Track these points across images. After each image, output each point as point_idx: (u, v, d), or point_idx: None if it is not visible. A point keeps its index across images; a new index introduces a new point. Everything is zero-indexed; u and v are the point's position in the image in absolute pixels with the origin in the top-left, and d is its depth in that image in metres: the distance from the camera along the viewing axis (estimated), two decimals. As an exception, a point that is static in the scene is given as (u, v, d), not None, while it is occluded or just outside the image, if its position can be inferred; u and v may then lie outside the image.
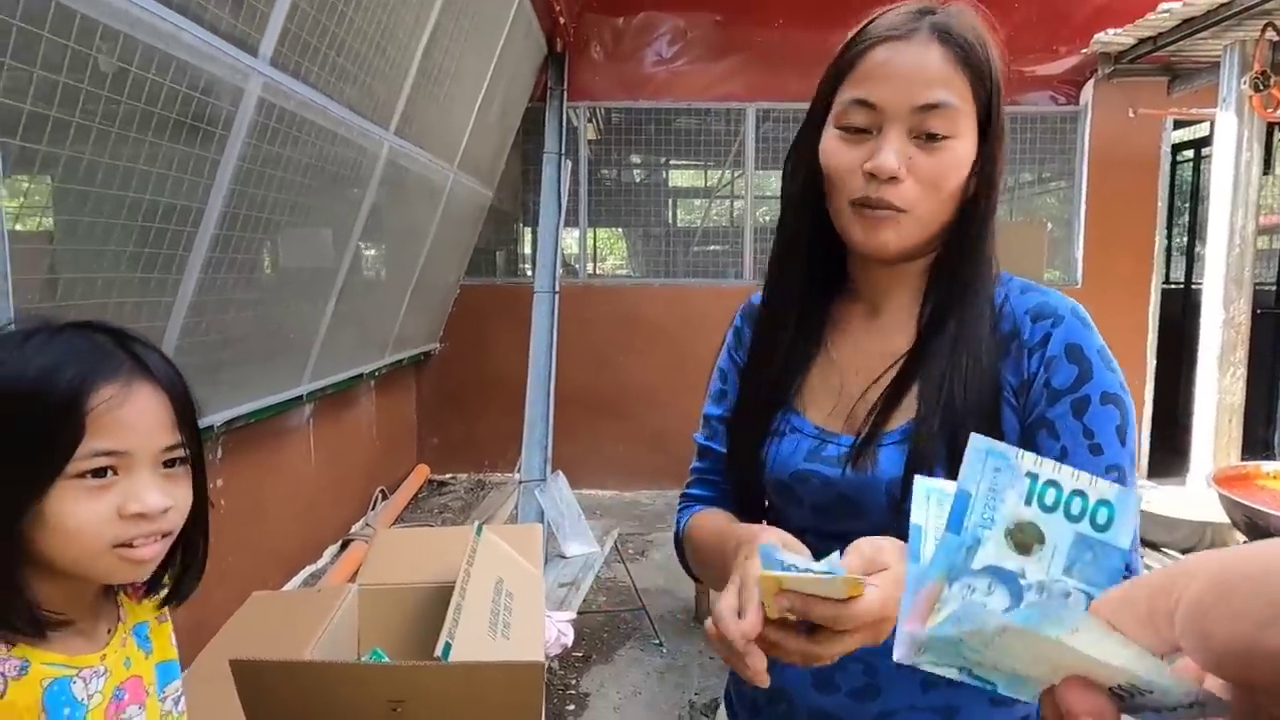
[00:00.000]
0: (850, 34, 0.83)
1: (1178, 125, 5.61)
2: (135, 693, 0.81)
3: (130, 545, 0.72)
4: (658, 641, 3.26)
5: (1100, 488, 0.41)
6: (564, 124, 4.67)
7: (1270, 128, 3.98)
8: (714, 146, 5.51)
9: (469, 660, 1.27)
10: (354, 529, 4.07)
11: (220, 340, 2.33)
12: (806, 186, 0.85)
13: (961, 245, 0.83)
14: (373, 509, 4.35)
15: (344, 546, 3.82)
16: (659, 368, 5.33)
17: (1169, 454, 5.25)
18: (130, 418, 0.72)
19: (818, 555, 0.64)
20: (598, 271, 7.46)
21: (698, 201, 6.41)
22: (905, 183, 0.77)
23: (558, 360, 5.10)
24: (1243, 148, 3.82)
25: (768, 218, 6.31)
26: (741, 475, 0.90)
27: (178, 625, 0.92)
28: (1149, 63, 4.74)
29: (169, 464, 0.75)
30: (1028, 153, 5.45)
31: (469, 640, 1.48)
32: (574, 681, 3.00)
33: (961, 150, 0.78)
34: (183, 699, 0.90)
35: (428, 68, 3.26)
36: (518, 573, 1.89)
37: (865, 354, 0.85)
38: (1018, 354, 0.81)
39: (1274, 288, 5.67)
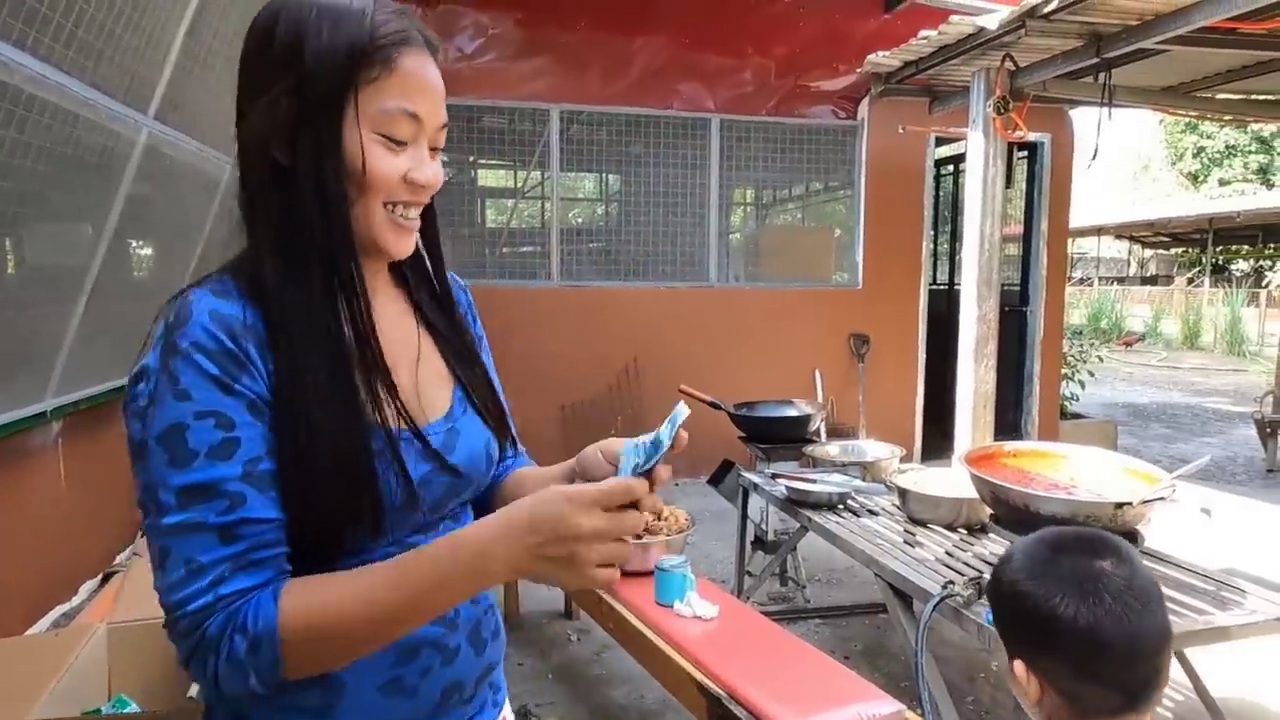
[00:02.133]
0: (341, 20, 0.76)
1: (943, 141, 6.23)
2: None
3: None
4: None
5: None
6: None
7: (1011, 147, 4.49)
8: (520, 147, 5.46)
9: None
10: (119, 559, 3.63)
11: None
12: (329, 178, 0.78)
13: (432, 243, 0.92)
14: (143, 536, 3.91)
15: (106, 580, 3.39)
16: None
17: (939, 438, 5.82)
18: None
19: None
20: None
21: (508, 202, 6.32)
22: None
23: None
24: (989, 163, 4.30)
25: (579, 219, 6.34)
26: (335, 516, 0.75)
27: None
28: (913, 84, 5.22)
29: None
30: (814, 162, 5.85)
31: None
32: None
33: None
34: None
35: (193, 48, 2.96)
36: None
37: (398, 344, 0.87)
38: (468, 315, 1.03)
39: (1018, 288, 6.44)
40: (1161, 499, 1.97)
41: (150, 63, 2.72)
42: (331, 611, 0.70)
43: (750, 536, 3.59)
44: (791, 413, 3.71)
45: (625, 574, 2.48)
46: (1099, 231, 18.63)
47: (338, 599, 0.70)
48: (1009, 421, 6.08)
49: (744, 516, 3.41)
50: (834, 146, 5.81)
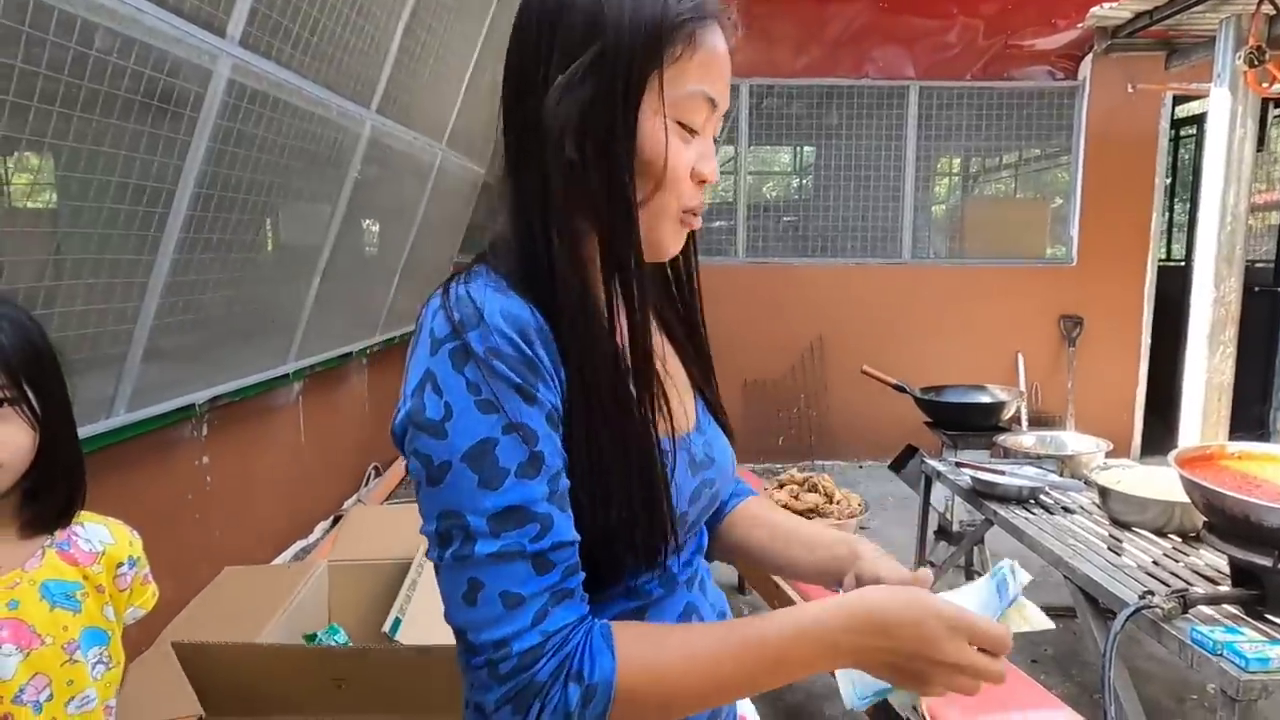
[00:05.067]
0: None
1: (1180, 101, 5.54)
2: (16, 634, 0.88)
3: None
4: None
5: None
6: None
7: (1265, 104, 3.92)
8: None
9: (407, 644, 1.30)
10: (346, 505, 4.12)
11: (198, 320, 2.36)
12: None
13: (689, 249, 0.83)
14: (366, 485, 4.40)
15: (335, 522, 3.87)
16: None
17: (1163, 433, 5.25)
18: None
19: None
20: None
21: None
22: None
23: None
24: (1236, 124, 3.78)
25: (771, 194, 6.27)
26: (624, 535, 0.69)
27: (164, 598, 1.02)
28: (1146, 37, 4.67)
29: None
30: (1025, 129, 5.40)
31: (425, 614, 1.52)
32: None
33: None
34: (115, 667, 0.97)
35: (410, 45, 3.25)
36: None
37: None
38: None
39: (1273, 264, 5.62)
40: None
41: (372, 63, 3.02)
42: (674, 672, 0.63)
43: (934, 526, 3.45)
44: (983, 399, 3.51)
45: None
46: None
47: (681, 659, 0.63)
48: (1253, 417, 5.36)
49: (926, 505, 3.28)
50: (1049, 111, 5.34)
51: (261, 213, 2.73)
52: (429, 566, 1.74)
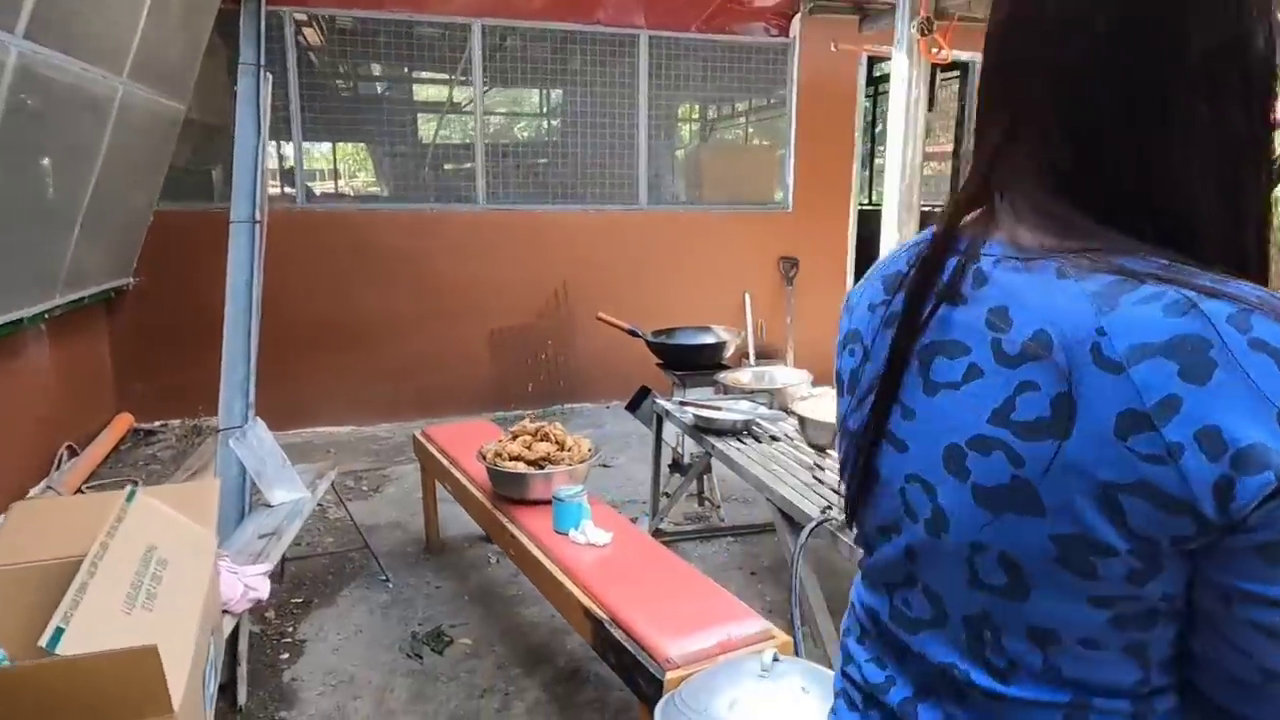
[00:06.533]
0: None
1: (878, 61, 6.16)
2: None
3: None
4: (384, 578, 3.25)
5: None
6: (261, 31, 4.22)
7: (934, 68, 4.47)
8: (454, 61, 5.26)
9: (65, 656, 1.18)
10: (32, 493, 3.60)
11: None
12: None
13: None
14: (58, 468, 3.87)
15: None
16: (400, 297, 5.16)
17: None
18: None
19: None
20: (342, 191, 6.97)
21: (443, 118, 6.11)
22: None
23: (290, 293, 4.76)
24: (911, 86, 4.28)
25: (506, 142, 6.17)
26: None
27: None
28: (844, 1, 5.13)
29: None
30: (747, 81, 5.75)
31: (94, 619, 1.38)
32: (291, 629, 2.91)
33: None
34: None
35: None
36: (178, 537, 1.78)
37: None
38: None
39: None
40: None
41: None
42: None
43: (669, 460, 3.69)
44: (708, 339, 3.77)
45: (527, 503, 2.56)
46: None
47: None
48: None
49: (658, 442, 3.49)
50: (767, 65, 5.71)
51: None
52: (111, 561, 1.58)
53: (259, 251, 3.46)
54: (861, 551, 0.79)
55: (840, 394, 0.78)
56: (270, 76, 4.03)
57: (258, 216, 3.46)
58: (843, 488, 0.77)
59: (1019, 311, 0.59)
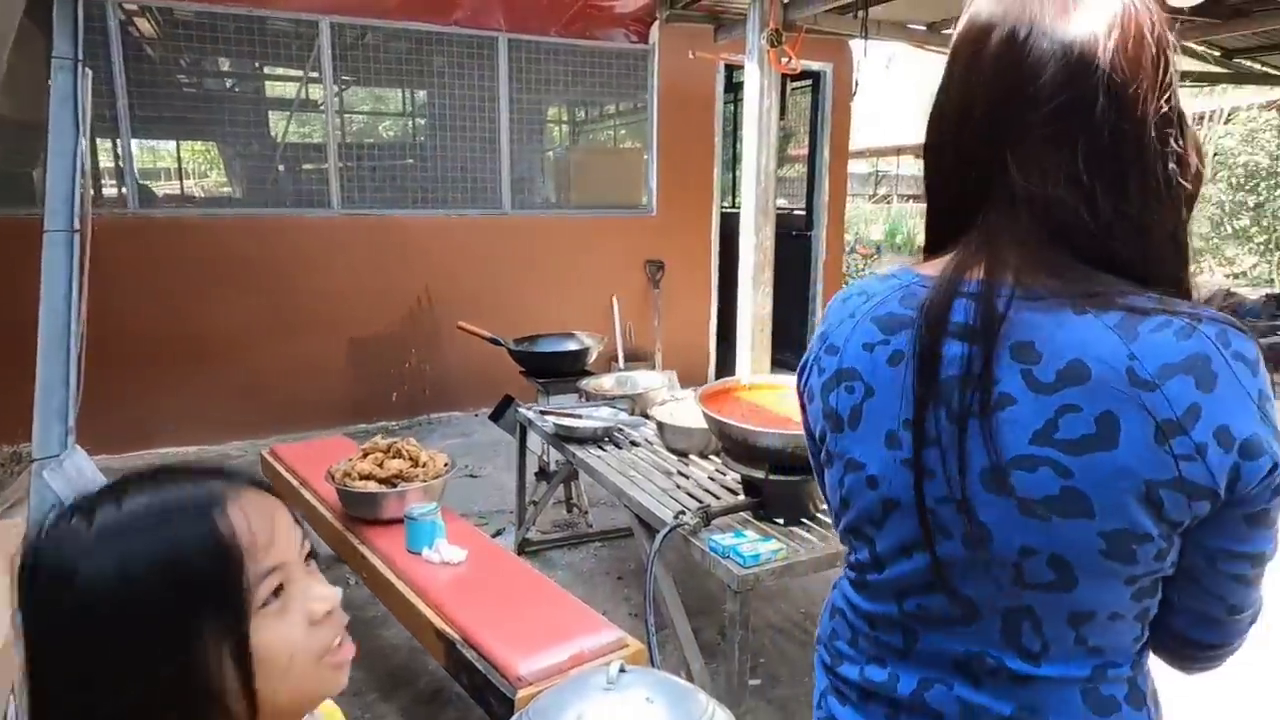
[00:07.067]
0: None
1: (736, 69, 6.32)
2: None
3: (333, 648, 0.70)
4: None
5: None
6: (79, 21, 3.88)
7: (785, 78, 4.64)
8: (303, 60, 5.01)
9: None
10: None
11: None
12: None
13: None
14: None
15: None
16: (251, 307, 4.88)
17: (733, 361, 6.12)
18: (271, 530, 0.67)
19: None
20: (191, 192, 6.50)
21: (295, 116, 5.81)
22: None
23: (124, 305, 4.41)
24: (764, 95, 4.42)
25: (363, 145, 5.95)
26: None
27: None
28: (699, 10, 5.25)
29: (307, 558, 0.72)
30: (609, 87, 5.79)
31: None
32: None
33: None
34: None
35: None
36: (-30, 586, 1.61)
37: None
38: None
39: (804, 212, 6.77)
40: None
41: None
42: None
43: (535, 469, 3.66)
44: (570, 346, 3.76)
45: (381, 522, 2.47)
46: (899, 151, 19.84)
47: None
48: (796, 340, 6.47)
49: (522, 451, 3.46)
50: (629, 71, 5.76)
51: None
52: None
53: (79, 263, 3.17)
54: (846, 567, 0.88)
55: (835, 429, 0.82)
56: (90, 72, 3.72)
57: (76, 225, 3.17)
58: (829, 509, 0.88)
59: (1046, 345, 0.67)
